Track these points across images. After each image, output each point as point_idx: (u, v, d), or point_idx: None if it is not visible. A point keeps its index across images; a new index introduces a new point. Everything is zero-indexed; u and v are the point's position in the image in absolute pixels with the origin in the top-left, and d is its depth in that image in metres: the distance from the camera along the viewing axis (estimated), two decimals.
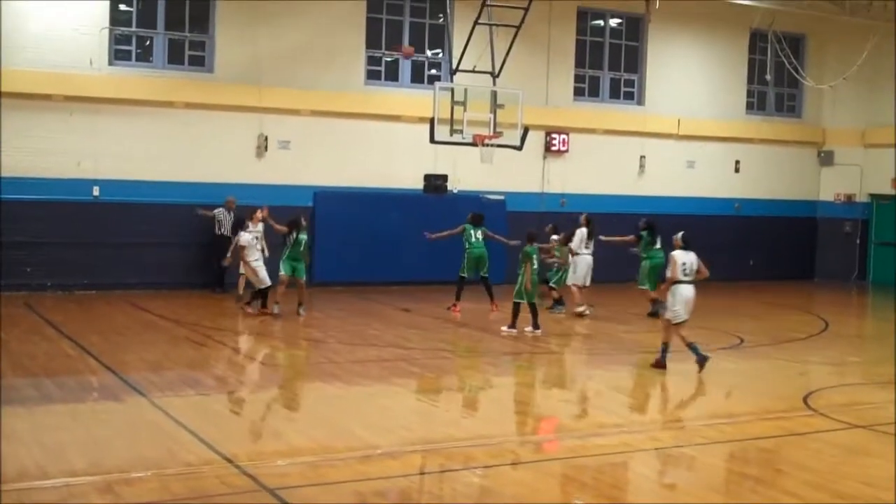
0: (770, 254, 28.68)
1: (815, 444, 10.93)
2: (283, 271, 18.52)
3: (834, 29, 28.42)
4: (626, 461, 10.39)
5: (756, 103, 29.18)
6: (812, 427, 11.70)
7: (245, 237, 18.69)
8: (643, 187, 27.12)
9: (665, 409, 13.37)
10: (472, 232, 19.99)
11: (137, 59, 21.94)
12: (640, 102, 27.38)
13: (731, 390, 14.01)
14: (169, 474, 8.84)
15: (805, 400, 12.95)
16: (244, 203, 21.92)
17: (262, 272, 18.75)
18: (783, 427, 11.63)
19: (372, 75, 24.18)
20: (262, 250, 19.06)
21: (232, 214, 21.62)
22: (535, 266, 17.49)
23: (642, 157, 27.18)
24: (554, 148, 25.87)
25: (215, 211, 21.65)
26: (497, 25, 20.93)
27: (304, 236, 18.68)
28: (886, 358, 16.64)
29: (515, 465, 9.88)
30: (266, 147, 22.76)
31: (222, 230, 21.60)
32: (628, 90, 27.33)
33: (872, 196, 29.32)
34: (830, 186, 29.77)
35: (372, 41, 24.04)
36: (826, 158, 29.74)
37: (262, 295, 18.65)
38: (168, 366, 14.00)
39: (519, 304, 17.37)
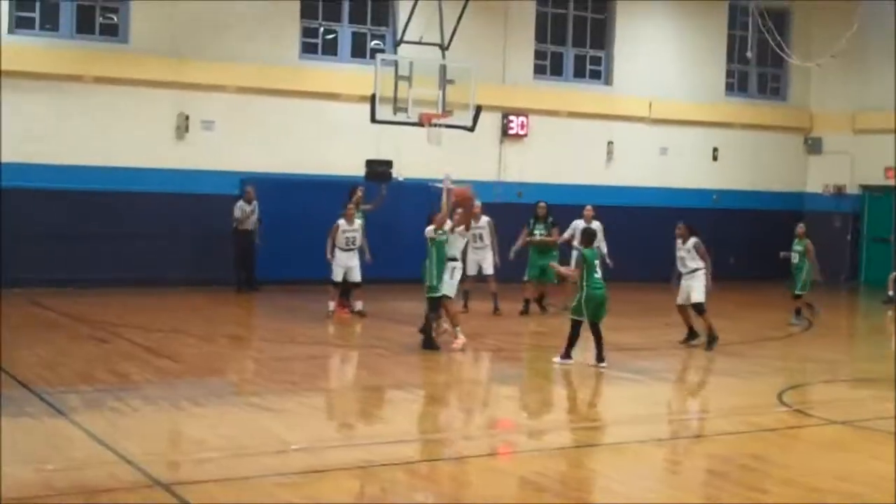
0: (752, 250, 28.60)
1: (785, 440, 11.07)
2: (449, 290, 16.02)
3: (821, 3, 28.61)
4: (585, 457, 10.42)
5: (736, 84, 29.35)
6: (785, 423, 11.83)
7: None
8: (611, 176, 27.13)
9: (629, 405, 13.31)
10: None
11: (41, 27, 21.69)
12: (608, 82, 27.42)
13: (699, 387, 14.08)
14: (49, 470, 8.71)
15: (780, 397, 13.03)
16: (162, 191, 21.92)
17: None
18: (753, 423, 11.74)
19: (307, 48, 24.05)
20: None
21: (254, 205, 22.01)
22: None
23: (610, 142, 27.21)
24: (511, 131, 25.84)
25: (236, 205, 22.01)
26: None
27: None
28: (870, 356, 16.90)
29: (436, 461, 9.90)
30: (187, 128, 22.55)
31: (245, 225, 22.05)
32: (594, 68, 27.35)
33: (864, 188, 29.51)
34: (818, 177, 29.96)
35: (307, 10, 23.91)
36: (814, 146, 29.93)
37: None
38: (64, 362, 13.79)
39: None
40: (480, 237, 20.04)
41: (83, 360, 13.98)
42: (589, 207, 20.57)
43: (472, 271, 19.81)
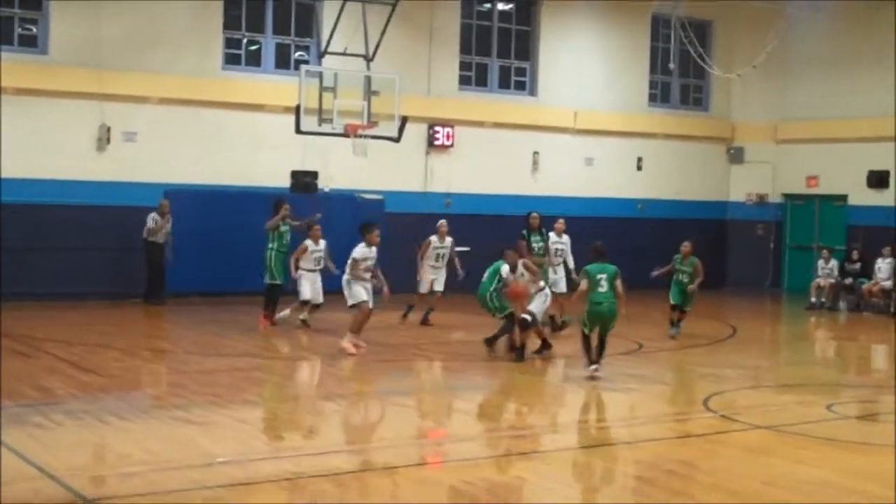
0: None
1: (710, 446, 11.17)
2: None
3: (743, 15, 29.01)
4: (514, 465, 10.46)
5: (659, 95, 29.65)
6: (710, 428, 11.95)
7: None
8: (537, 187, 27.22)
9: (556, 412, 13.55)
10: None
11: None
12: (533, 93, 27.58)
13: (625, 394, 14.20)
14: None
15: (705, 402, 13.20)
16: (84, 203, 21.69)
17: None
18: (677, 429, 11.99)
19: (230, 59, 23.92)
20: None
21: (167, 218, 21.88)
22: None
23: (535, 153, 27.36)
24: (437, 142, 25.88)
25: (150, 216, 21.83)
26: (370, 2, 20.92)
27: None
28: (793, 361, 17.23)
29: (363, 471, 9.90)
30: (108, 139, 22.31)
31: (156, 236, 21.85)
32: (519, 79, 27.51)
33: (786, 196, 29.94)
34: (741, 186, 30.37)
35: (230, 21, 23.78)
36: (736, 155, 30.33)
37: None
38: None
39: None
40: (443, 256, 19.95)
41: (5, 375, 13.69)
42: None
43: (423, 289, 19.77)
